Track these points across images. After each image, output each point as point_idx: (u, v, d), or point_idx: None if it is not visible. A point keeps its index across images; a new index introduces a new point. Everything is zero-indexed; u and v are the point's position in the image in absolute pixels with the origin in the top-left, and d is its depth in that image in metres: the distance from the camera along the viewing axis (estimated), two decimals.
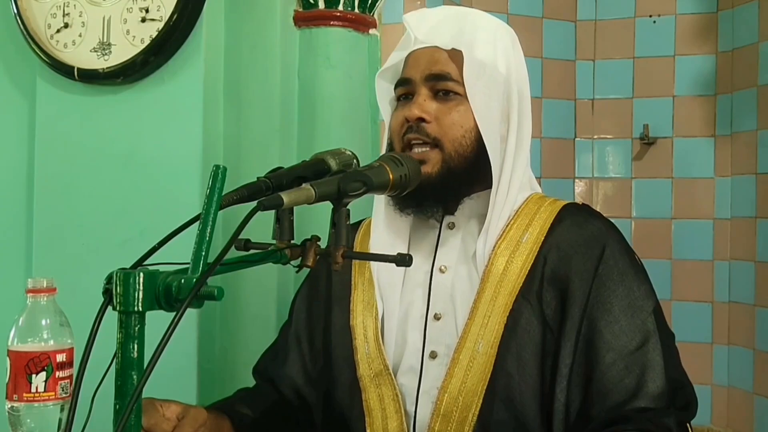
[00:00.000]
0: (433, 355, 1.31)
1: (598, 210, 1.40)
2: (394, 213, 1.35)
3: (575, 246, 1.30)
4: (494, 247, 1.31)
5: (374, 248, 1.36)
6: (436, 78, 1.32)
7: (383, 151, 1.39)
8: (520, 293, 1.28)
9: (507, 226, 1.33)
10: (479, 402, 1.26)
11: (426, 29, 1.34)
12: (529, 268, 1.29)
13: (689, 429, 1.24)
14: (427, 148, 1.30)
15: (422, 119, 1.30)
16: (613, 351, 1.23)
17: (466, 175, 1.31)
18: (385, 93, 1.41)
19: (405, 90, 1.35)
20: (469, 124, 1.30)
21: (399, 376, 1.33)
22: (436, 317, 1.33)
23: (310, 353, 1.45)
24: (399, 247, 1.36)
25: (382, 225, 1.36)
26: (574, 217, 1.34)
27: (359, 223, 1.47)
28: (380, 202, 1.36)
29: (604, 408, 1.21)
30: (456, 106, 1.31)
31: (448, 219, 1.36)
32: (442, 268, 1.35)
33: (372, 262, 1.38)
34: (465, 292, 1.32)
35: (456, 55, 1.31)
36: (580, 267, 1.28)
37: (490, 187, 1.32)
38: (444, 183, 1.30)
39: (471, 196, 1.35)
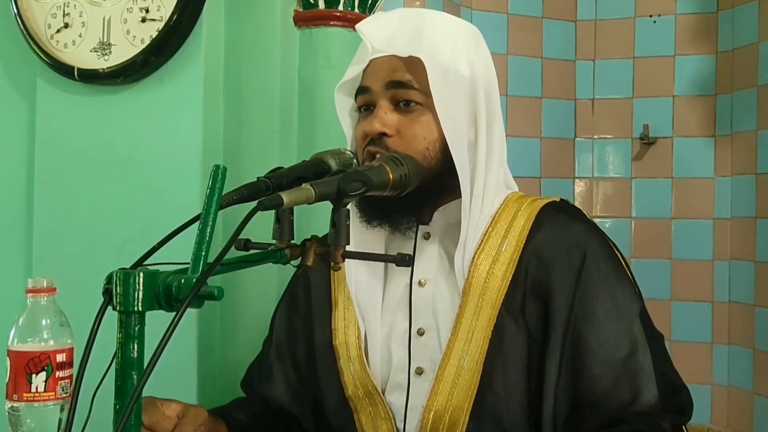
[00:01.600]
0: (419, 371, 1.29)
1: (596, 210, 1.36)
2: (366, 228, 1.30)
3: (555, 253, 1.26)
4: (473, 258, 1.27)
5: (348, 263, 1.31)
6: (397, 86, 1.26)
7: None
8: (503, 307, 1.25)
9: (485, 234, 1.28)
10: (466, 419, 1.24)
11: (382, 37, 1.28)
12: (510, 279, 1.26)
13: None
14: None
15: (384, 134, 1.25)
16: (601, 361, 1.20)
17: (432, 187, 1.26)
18: (344, 106, 1.36)
19: (365, 100, 1.30)
20: (433, 135, 1.25)
21: (387, 394, 1.31)
22: (419, 332, 1.30)
23: (293, 368, 1.43)
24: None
25: (355, 239, 1.29)
26: (554, 220, 1.29)
27: None
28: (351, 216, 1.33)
29: (596, 417, 1.19)
30: (418, 117, 1.26)
31: (423, 229, 1.33)
32: (422, 281, 1.31)
33: (349, 282, 1.34)
34: (446, 306, 1.29)
35: (415, 63, 1.25)
36: (561, 276, 1.24)
37: None
38: (409, 196, 1.23)
39: (445, 204, 1.31)
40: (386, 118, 1.26)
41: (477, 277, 1.26)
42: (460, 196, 1.27)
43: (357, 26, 1.31)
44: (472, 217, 1.27)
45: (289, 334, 1.45)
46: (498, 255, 1.27)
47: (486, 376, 1.24)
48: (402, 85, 1.26)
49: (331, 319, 1.37)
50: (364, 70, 1.31)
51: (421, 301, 1.31)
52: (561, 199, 1.36)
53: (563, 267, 1.25)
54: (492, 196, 1.30)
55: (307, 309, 1.42)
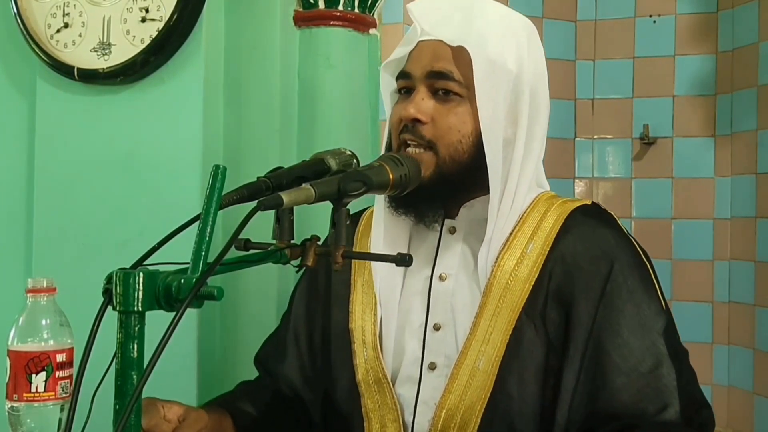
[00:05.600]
0: (432, 366, 1.28)
1: None
2: (392, 215, 1.29)
3: (582, 261, 1.23)
4: (497, 259, 1.25)
5: (373, 250, 1.32)
6: (437, 76, 1.24)
7: (383, 145, 1.34)
8: (523, 311, 1.23)
9: (512, 233, 1.26)
10: (478, 420, 1.23)
11: (433, 20, 1.26)
12: (533, 283, 1.23)
13: None
14: (422, 150, 1.24)
15: (418, 120, 1.24)
16: (623, 374, 1.18)
17: (461, 180, 1.25)
18: (388, 85, 1.35)
19: (405, 84, 1.29)
20: (468, 128, 1.23)
21: (397, 385, 1.30)
22: (436, 327, 1.29)
23: (308, 352, 1.42)
24: (398, 250, 1.31)
25: (382, 226, 1.31)
26: (582, 227, 1.26)
27: (360, 215, 1.42)
28: (380, 202, 1.31)
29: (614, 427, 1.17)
30: (455, 107, 1.24)
31: (449, 223, 1.31)
32: (443, 275, 1.30)
33: (372, 264, 1.34)
34: (466, 303, 1.27)
35: (461, 53, 1.23)
36: (586, 286, 1.22)
37: None
38: (437, 187, 1.23)
39: (474, 199, 1.29)
40: (422, 104, 1.25)
41: (499, 278, 1.24)
42: (489, 193, 1.25)
43: (408, 6, 1.30)
44: (500, 216, 1.25)
45: (307, 312, 1.43)
46: (523, 256, 1.25)
47: (501, 379, 1.22)
48: (443, 75, 1.24)
49: (349, 301, 1.35)
50: (410, 53, 1.30)
51: (439, 296, 1.29)
52: (593, 203, 1.34)
53: (589, 276, 1.22)
54: (523, 195, 1.28)
55: (327, 289, 1.40)
